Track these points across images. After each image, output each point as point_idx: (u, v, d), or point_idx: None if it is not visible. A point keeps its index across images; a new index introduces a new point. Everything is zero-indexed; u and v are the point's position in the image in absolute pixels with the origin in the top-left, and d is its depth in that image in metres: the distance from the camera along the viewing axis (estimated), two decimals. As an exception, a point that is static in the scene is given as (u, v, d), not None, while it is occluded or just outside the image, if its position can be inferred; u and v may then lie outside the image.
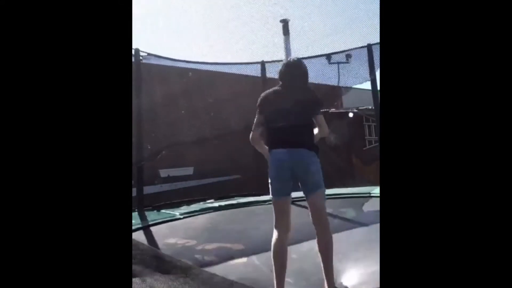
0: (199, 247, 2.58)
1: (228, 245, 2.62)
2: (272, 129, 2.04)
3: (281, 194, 2.00)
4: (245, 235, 2.78)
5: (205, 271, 1.58)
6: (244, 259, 2.42)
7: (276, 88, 2.12)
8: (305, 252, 2.25)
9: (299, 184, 2.00)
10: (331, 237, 1.93)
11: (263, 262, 2.30)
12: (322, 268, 1.90)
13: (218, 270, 2.09)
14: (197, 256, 2.51)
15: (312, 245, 2.00)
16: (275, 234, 1.95)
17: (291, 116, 2.00)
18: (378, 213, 2.85)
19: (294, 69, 2.14)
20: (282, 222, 1.96)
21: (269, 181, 2.03)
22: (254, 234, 2.75)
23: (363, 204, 3.34)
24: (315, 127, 2.10)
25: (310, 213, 1.98)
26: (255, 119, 2.08)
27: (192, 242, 2.67)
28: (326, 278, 1.89)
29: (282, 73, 2.13)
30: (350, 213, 3.01)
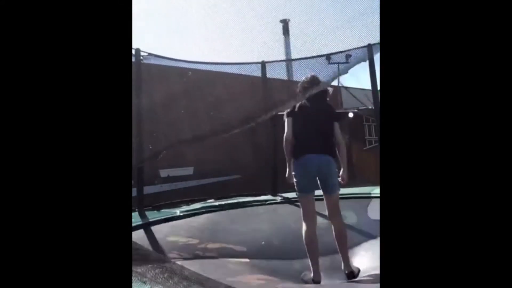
0: (201, 246, 2.61)
1: (231, 245, 2.67)
2: (301, 137, 2.43)
3: (308, 191, 2.40)
4: (248, 236, 2.83)
5: (199, 274, 1.58)
6: (246, 260, 2.51)
7: (301, 103, 2.49)
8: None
9: (319, 183, 2.41)
10: (345, 228, 2.42)
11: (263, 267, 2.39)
12: (340, 252, 2.33)
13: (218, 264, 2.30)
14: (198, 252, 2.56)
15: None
16: (304, 226, 2.35)
17: (318, 123, 2.42)
18: (369, 203, 2.88)
19: (316, 87, 2.51)
20: (309, 215, 2.37)
21: (295, 180, 2.43)
22: (258, 236, 2.81)
23: (367, 207, 3.33)
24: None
25: (327, 209, 2.42)
26: (287, 125, 2.46)
27: (194, 241, 2.70)
28: (344, 261, 2.31)
29: (305, 90, 2.50)
30: (351, 219, 2.99)
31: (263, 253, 2.63)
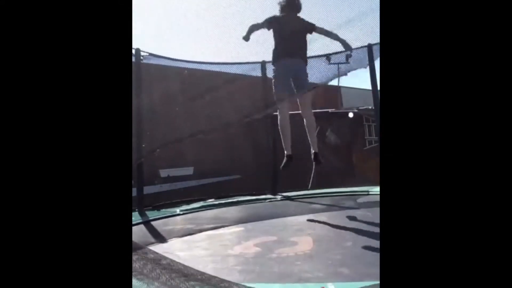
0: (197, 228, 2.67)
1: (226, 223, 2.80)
2: (278, 43, 2.92)
3: (282, 90, 2.92)
4: (244, 219, 2.95)
5: (202, 272, 1.58)
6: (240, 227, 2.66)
7: (279, 15, 2.99)
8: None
9: (293, 85, 2.91)
10: (313, 119, 3.00)
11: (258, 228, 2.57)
12: (309, 137, 2.99)
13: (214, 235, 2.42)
14: (191, 226, 2.66)
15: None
16: (279, 116, 2.97)
17: (294, 33, 2.89)
18: (369, 202, 3.13)
19: (293, 3, 3.00)
20: (283, 109, 2.95)
21: (273, 81, 2.97)
22: (253, 218, 2.96)
23: (358, 198, 3.59)
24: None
25: (299, 105, 2.97)
26: (256, 25, 2.97)
27: (191, 226, 2.73)
28: (312, 145, 3.01)
29: (283, 6, 2.99)
30: (346, 203, 3.37)
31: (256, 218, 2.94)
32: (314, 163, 3.10)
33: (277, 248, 2.02)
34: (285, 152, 3.06)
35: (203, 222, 2.87)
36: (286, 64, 2.89)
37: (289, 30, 2.91)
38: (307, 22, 3.04)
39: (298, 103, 2.99)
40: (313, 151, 3.04)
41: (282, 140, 3.03)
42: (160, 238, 2.46)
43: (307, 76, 2.96)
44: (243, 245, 2.16)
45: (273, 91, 2.99)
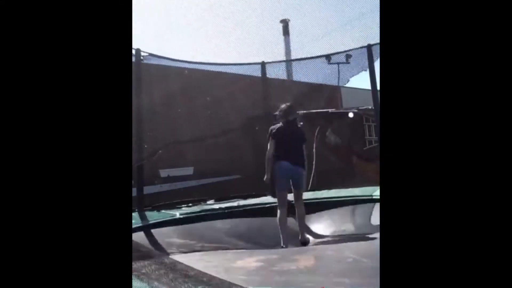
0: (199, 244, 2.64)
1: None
2: (280, 149, 3.36)
3: (283, 189, 3.40)
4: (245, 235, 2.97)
5: (204, 273, 1.58)
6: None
7: (279, 125, 3.44)
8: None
9: (291, 182, 3.39)
10: (304, 210, 3.42)
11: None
12: (299, 226, 3.37)
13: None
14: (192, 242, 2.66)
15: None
16: (279, 211, 3.33)
17: (292, 142, 3.40)
18: (369, 203, 2.98)
19: (291, 114, 3.49)
20: (282, 205, 3.35)
21: (275, 178, 3.41)
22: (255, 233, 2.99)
23: (370, 214, 3.40)
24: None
25: (294, 198, 3.43)
26: (269, 144, 3.39)
27: (192, 242, 2.72)
28: (301, 232, 3.37)
29: (283, 115, 3.45)
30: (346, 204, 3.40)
31: (259, 244, 3.09)
32: (302, 241, 3.40)
33: (280, 262, 2.01)
34: (282, 245, 3.34)
35: (204, 235, 2.84)
36: (286, 166, 3.36)
37: (289, 139, 3.41)
38: (302, 133, 3.61)
39: (293, 196, 3.47)
40: (301, 240, 3.40)
41: (280, 233, 3.34)
42: (160, 243, 2.46)
43: (303, 177, 3.49)
44: (245, 260, 2.17)
45: (275, 188, 3.53)
